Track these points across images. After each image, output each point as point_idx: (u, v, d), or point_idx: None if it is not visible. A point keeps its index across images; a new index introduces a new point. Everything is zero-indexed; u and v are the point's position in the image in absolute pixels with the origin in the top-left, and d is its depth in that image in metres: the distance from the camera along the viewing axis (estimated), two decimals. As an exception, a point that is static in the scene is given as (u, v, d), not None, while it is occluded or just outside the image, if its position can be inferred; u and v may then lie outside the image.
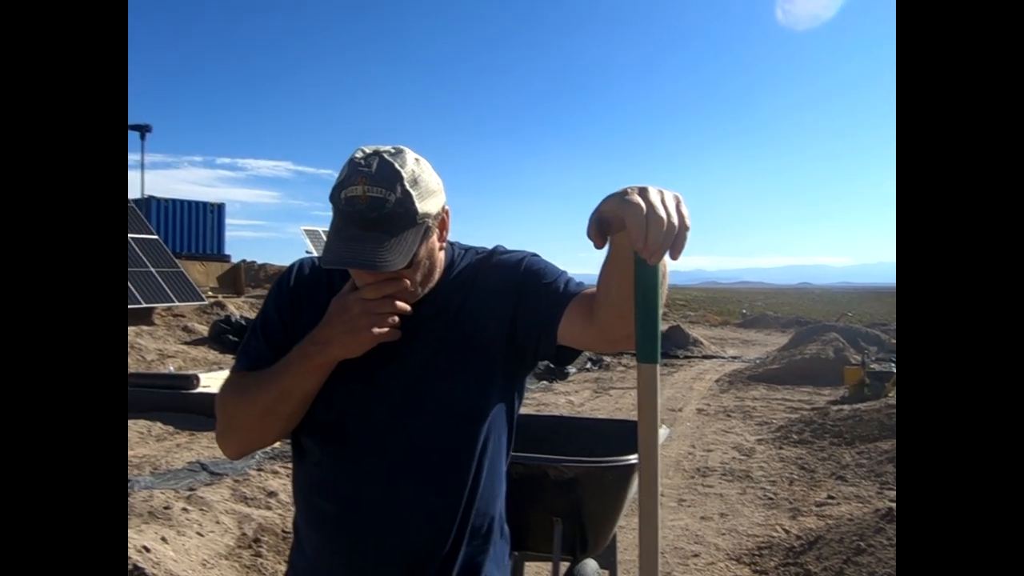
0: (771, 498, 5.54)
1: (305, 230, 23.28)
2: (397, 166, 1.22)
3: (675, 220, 0.98)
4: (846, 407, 8.15)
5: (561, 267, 1.40)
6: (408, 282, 1.28)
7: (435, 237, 1.32)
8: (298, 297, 1.40)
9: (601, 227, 1.04)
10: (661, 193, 1.00)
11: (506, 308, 1.35)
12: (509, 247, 1.45)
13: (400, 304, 1.28)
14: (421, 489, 1.32)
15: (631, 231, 0.97)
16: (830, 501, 5.34)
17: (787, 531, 4.74)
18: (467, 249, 1.44)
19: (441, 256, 1.38)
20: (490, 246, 1.46)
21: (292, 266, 1.46)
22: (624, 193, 1.00)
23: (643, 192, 0.99)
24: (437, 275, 1.37)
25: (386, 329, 1.27)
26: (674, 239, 0.98)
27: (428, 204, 1.25)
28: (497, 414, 1.38)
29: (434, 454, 1.32)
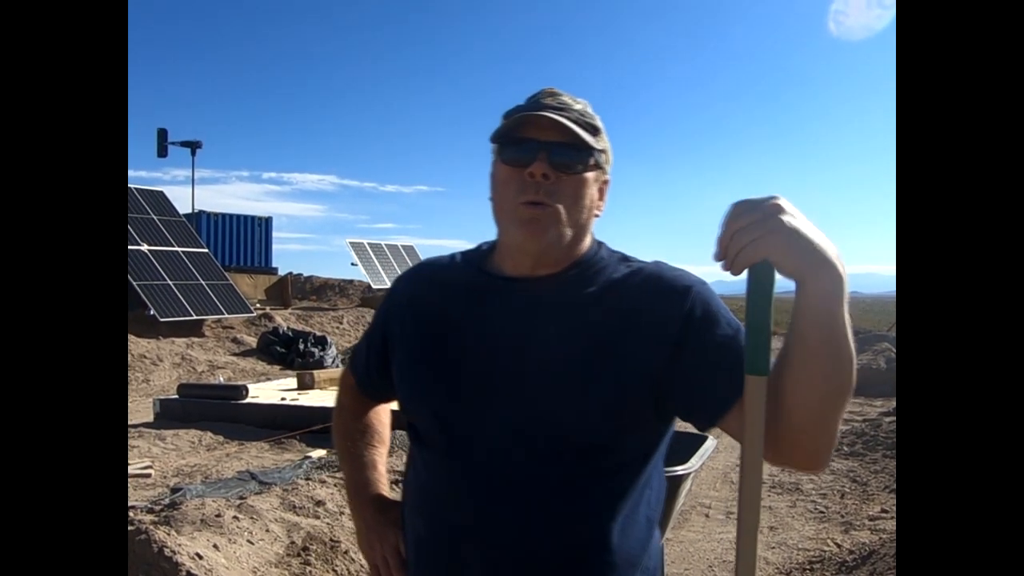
0: (822, 511, 5.41)
1: (350, 242, 23.61)
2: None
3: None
4: (899, 418, 7.95)
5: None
6: (565, 200, 1.13)
7: (598, 185, 1.19)
8: (394, 316, 1.31)
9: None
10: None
11: (660, 350, 1.11)
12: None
13: None
14: (521, 520, 1.13)
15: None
16: (884, 515, 5.20)
17: (839, 545, 4.62)
18: (615, 252, 1.24)
19: (590, 235, 1.22)
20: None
21: (392, 287, 1.37)
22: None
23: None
24: (586, 244, 1.20)
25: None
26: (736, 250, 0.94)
27: (604, 141, 1.18)
28: (632, 452, 1.17)
29: (544, 486, 1.13)
